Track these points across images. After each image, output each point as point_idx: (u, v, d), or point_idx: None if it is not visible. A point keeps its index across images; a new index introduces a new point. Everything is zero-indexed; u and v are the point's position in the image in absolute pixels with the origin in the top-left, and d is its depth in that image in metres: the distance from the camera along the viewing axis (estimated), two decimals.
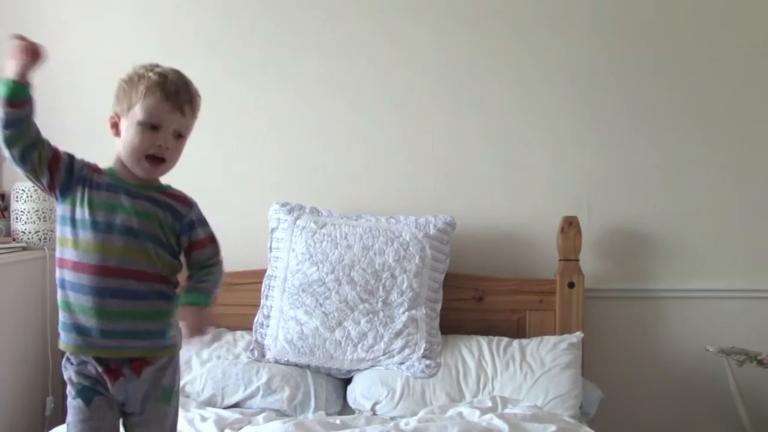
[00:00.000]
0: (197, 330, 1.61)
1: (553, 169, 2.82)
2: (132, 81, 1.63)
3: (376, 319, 2.47)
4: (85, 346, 1.62)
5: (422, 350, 2.43)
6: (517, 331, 2.65)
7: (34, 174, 1.58)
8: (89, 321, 1.60)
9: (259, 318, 2.56)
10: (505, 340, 2.53)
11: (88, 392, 1.62)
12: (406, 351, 2.44)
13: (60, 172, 1.59)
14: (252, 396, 2.36)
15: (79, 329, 1.61)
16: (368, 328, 2.46)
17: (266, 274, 2.61)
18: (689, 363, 2.79)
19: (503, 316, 2.67)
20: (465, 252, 2.75)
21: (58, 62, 2.87)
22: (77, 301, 1.60)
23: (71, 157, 1.63)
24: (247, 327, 2.59)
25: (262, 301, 2.58)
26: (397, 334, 2.45)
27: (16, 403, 2.60)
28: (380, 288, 2.49)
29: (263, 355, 2.48)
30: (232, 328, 2.64)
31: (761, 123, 2.81)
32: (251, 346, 2.50)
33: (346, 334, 2.45)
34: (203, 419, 2.16)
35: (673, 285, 2.81)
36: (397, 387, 2.37)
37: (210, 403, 2.34)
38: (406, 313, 2.48)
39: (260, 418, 2.23)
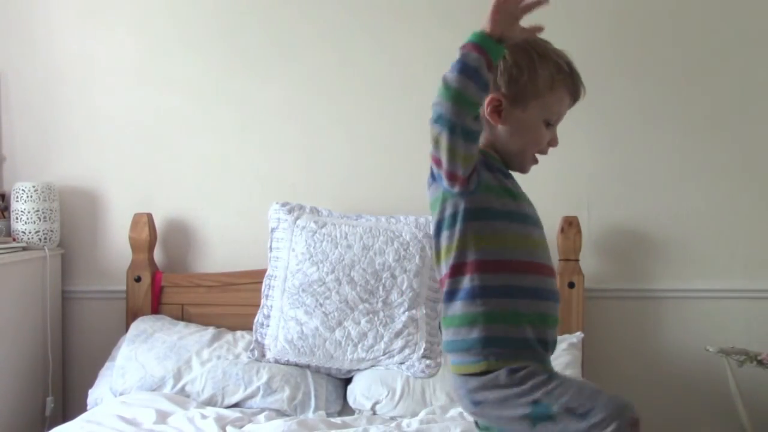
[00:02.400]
0: None
1: (553, 169, 2.81)
2: (534, 63, 1.38)
3: (376, 319, 2.47)
4: (547, 363, 1.42)
5: (422, 350, 2.43)
6: None
7: (471, 159, 1.33)
8: (549, 332, 1.40)
9: (259, 318, 2.56)
10: None
11: None
12: (406, 351, 2.44)
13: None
14: (252, 396, 2.36)
15: (543, 344, 1.39)
16: (368, 328, 2.46)
17: (266, 274, 2.61)
18: (689, 363, 2.79)
19: None
20: None
21: (58, 61, 2.89)
22: (549, 311, 1.41)
23: None
24: (247, 327, 2.59)
25: (262, 301, 2.58)
26: (397, 334, 2.45)
27: (16, 403, 2.60)
28: (380, 288, 2.50)
29: (263, 355, 2.48)
30: (232, 328, 2.64)
31: (762, 123, 2.81)
32: (251, 346, 2.50)
33: (346, 334, 2.45)
34: (203, 417, 2.16)
35: (673, 285, 2.81)
36: (397, 387, 2.36)
37: (210, 402, 2.34)
38: (406, 313, 2.48)
39: (261, 417, 2.23)
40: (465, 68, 1.27)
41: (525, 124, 1.40)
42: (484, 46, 1.29)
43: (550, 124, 1.44)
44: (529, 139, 1.42)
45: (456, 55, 1.34)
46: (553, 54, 1.41)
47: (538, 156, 1.49)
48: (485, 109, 1.40)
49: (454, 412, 2.22)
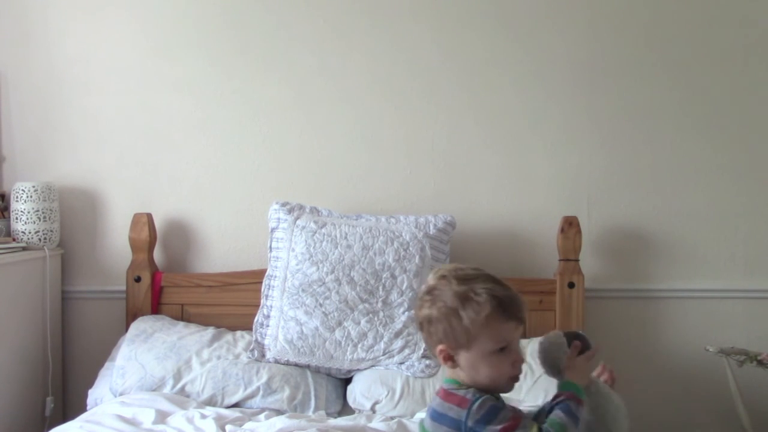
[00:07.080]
0: None
1: (553, 169, 2.82)
2: (457, 310, 1.45)
3: (376, 319, 2.47)
4: None
5: (422, 350, 2.43)
6: None
7: None
8: None
9: (259, 318, 2.56)
10: None
11: None
12: (406, 351, 2.44)
13: None
14: (252, 396, 2.36)
15: None
16: (368, 328, 2.46)
17: (266, 274, 2.61)
18: (689, 363, 2.79)
19: None
20: (465, 252, 2.75)
21: (58, 61, 2.89)
22: None
23: None
24: (247, 327, 2.59)
25: (262, 301, 2.58)
26: (397, 334, 2.45)
27: (16, 403, 2.60)
28: (380, 288, 2.50)
29: (263, 355, 2.48)
30: (232, 328, 2.64)
31: (761, 123, 2.81)
32: (251, 346, 2.50)
33: (346, 334, 2.45)
34: (203, 417, 2.16)
35: (673, 285, 2.81)
36: (397, 387, 2.36)
37: (210, 402, 2.34)
38: (406, 313, 2.48)
39: (261, 417, 2.23)
40: (578, 421, 1.47)
41: (475, 360, 1.46)
42: (583, 398, 1.52)
43: (505, 348, 1.46)
44: (488, 371, 1.46)
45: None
46: (474, 294, 1.45)
47: (513, 370, 1.50)
48: (440, 360, 1.51)
49: None
